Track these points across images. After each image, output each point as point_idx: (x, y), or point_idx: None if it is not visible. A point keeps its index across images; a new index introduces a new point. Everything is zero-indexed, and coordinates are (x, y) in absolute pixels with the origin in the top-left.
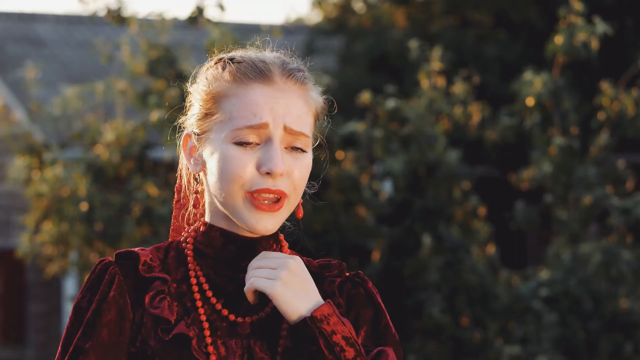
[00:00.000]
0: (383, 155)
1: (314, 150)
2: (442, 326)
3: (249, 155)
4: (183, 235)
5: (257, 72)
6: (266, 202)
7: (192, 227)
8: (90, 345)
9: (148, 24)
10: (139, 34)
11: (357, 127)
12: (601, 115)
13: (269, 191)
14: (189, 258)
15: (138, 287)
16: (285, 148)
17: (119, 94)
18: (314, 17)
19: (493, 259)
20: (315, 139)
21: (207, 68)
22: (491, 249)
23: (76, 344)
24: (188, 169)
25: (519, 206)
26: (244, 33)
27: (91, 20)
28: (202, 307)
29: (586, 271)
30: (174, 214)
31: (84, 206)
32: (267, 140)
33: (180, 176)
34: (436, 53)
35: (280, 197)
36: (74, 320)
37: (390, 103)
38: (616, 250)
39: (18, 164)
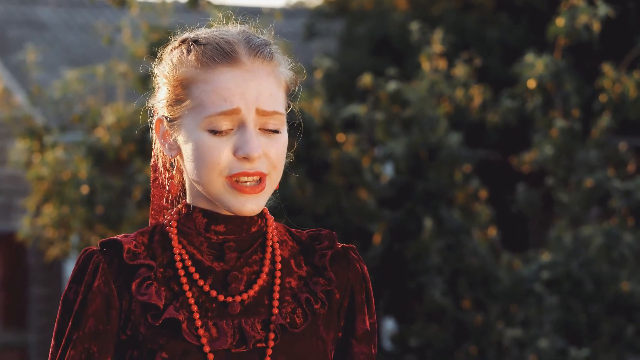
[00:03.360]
0: (384, 138)
1: (315, 133)
2: (443, 309)
3: (224, 142)
4: (166, 218)
5: (224, 55)
6: (248, 184)
7: (174, 210)
8: (77, 337)
9: (149, 7)
10: (140, 16)
11: (358, 109)
12: (603, 98)
13: (247, 174)
14: (173, 242)
15: (124, 274)
16: (260, 129)
17: (120, 77)
18: None
19: (494, 242)
20: (287, 111)
21: (172, 49)
22: (492, 232)
23: (67, 336)
24: (163, 153)
25: (520, 189)
26: (245, 16)
27: (92, 4)
28: (189, 290)
29: (587, 254)
30: (152, 192)
31: (84, 189)
32: (241, 125)
33: (155, 155)
34: (437, 36)
35: (261, 178)
36: (63, 312)
37: (392, 86)
38: (617, 233)
39: (19, 147)
